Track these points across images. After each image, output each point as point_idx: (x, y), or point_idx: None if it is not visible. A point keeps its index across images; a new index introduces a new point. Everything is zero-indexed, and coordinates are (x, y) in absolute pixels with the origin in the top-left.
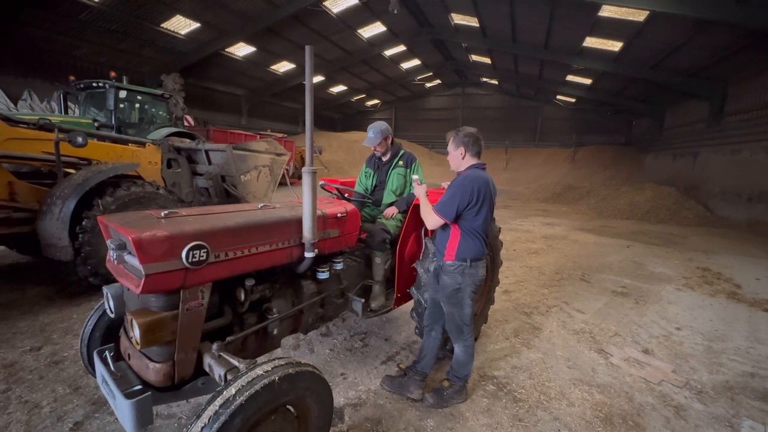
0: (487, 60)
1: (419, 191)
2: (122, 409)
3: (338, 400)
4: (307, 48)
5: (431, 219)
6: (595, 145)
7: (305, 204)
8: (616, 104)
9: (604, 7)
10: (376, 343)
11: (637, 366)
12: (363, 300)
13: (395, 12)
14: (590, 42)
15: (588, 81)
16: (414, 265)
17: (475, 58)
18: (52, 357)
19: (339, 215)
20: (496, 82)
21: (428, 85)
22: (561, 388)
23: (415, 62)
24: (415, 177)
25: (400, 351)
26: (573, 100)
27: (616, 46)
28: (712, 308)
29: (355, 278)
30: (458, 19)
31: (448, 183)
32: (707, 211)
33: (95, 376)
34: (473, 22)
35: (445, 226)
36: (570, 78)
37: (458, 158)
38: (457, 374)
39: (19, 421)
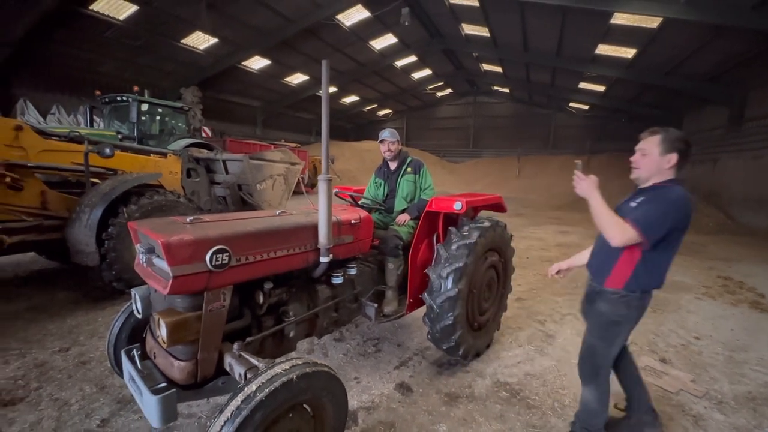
0: (498, 69)
1: (588, 189)
2: (149, 404)
3: (352, 403)
4: (324, 62)
5: (623, 235)
6: (610, 153)
7: (321, 210)
8: (631, 111)
9: (617, 14)
10: (389, 348)
11: (654, 375)
12: (376, 305)
13: (406, 24)
14: (603, 49)
15: (601, 88)
16: (426, 270)
17: (486, 67)
18: (80, 357)
19: (353, 221)
20: (508, 91)
21: (439, 94)
22: (575, 396)
23: (427, 72)
24: (577, 162)
25: (413, 356)
26: (586, 107)
27: (629, 53)
28: (734, 318)
29: (369, 283)
30: (469, 29)
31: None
32: (728, 219)
33: (121, 376)
34: (484, 32)
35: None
36: (583, 85)
37: (662, 165)
38: (588, 426)
39: (50, 417)
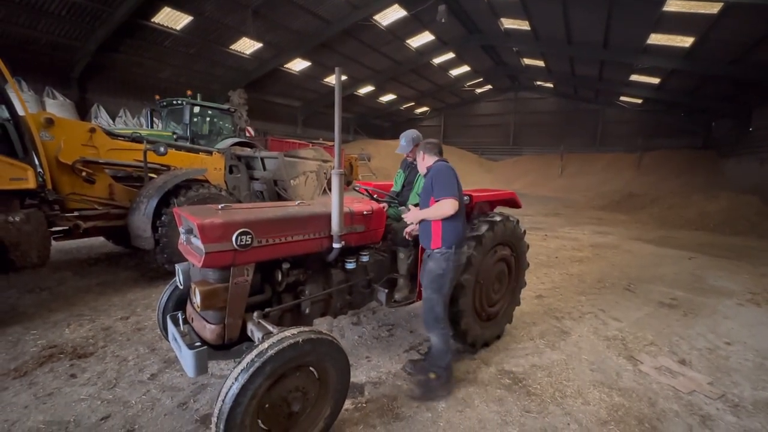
0: (540, 63)
1: (413, 217)
2: (185, 357)
3: (360, 378)
4: (337, 69)
5: (448, 206)
6: (665, 149)
7: (333, 201)
8: (691, 104)
9: (669, 1)
10: (402, 334)
11: (668, 375)
12: (387, 290)
13: (443, 21)
14: (655, 38)
15: (655, 80)
16: None
17: (527, 61)
18: (136, 325)
19: (365, 213)
20: (551, 86)
21: (478, 90)
22: (579, 388)
23: (465, 68)
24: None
25: (424, 342)
26: (639, 101)
27: (686, 41)
28: None
29: (382, 271)
30: (508, 23)
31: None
32: None
33: (168, 339)
34: (524, 25)
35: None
36: (634, 78)
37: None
38: (440, 364)
39: (112, 369)
